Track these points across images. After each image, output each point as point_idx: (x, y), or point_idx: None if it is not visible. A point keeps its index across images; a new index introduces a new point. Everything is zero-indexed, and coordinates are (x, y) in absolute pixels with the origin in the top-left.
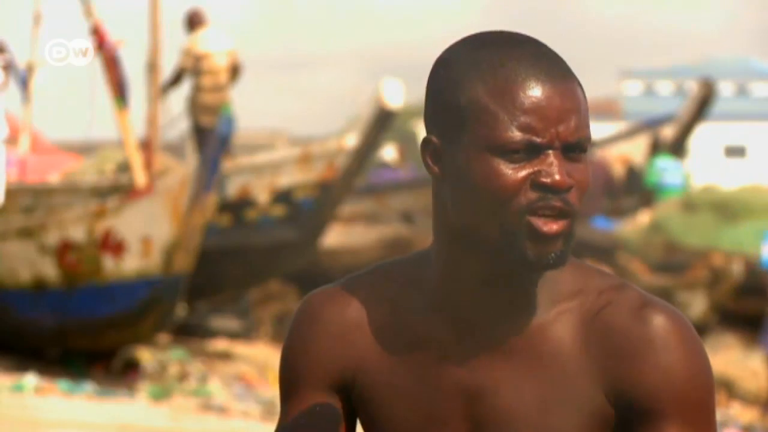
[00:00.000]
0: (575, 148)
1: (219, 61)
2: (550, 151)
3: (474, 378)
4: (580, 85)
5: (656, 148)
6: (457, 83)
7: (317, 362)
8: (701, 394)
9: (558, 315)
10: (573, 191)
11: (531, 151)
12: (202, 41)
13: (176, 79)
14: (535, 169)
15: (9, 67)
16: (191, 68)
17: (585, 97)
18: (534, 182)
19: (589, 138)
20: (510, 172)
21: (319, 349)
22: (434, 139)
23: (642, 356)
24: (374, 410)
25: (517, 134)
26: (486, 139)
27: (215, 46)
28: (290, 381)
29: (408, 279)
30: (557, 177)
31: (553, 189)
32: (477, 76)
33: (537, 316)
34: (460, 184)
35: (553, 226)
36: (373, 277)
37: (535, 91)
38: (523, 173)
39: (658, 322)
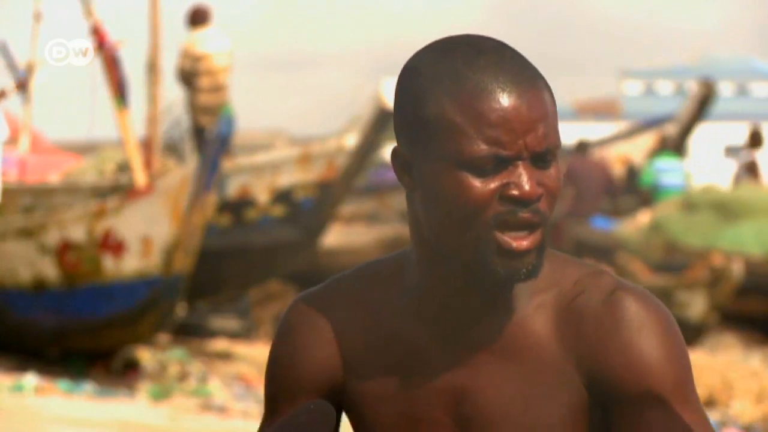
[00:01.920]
0: (544, 155)
1: (218, 62)
2: (519, 162)
3: (457, 378)
4: (548, 89)
5: (664, 145)
6: (422, 96)
7: (305, 371)
8: (672, 376)
9: (536, 309)
10: (543, 199)
11: (499, 164)
12: (201, 42)
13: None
14: (504, 181)
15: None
16: (189, 69)
17: (553, 100)
18: (503, 195)
19: (558, 144)
20: (479, 185)
21: (307, 357)
22: (403, 150)
23: (610, 339)
24: (363, 413)
25: (484, 148)
26: (453, 153)
27: (214, 46)
28: (279, 389)
29: (390, 280)
30: (526, 188)
31: (523, 201)
32: (442, 89)
33: (516, 312)
34: (430, 196)
35: (523, 243)
36: (356, 279)
37: (500, 103)
38: (491, 186)
39: (627, 304)
